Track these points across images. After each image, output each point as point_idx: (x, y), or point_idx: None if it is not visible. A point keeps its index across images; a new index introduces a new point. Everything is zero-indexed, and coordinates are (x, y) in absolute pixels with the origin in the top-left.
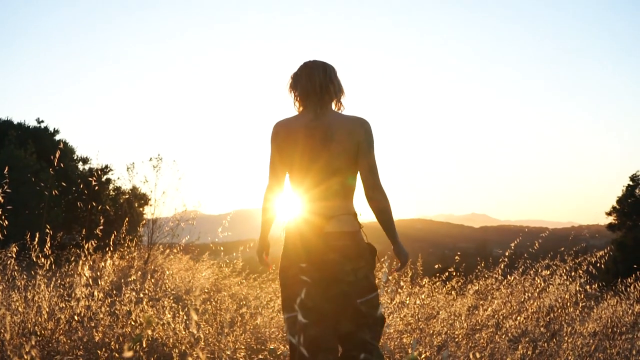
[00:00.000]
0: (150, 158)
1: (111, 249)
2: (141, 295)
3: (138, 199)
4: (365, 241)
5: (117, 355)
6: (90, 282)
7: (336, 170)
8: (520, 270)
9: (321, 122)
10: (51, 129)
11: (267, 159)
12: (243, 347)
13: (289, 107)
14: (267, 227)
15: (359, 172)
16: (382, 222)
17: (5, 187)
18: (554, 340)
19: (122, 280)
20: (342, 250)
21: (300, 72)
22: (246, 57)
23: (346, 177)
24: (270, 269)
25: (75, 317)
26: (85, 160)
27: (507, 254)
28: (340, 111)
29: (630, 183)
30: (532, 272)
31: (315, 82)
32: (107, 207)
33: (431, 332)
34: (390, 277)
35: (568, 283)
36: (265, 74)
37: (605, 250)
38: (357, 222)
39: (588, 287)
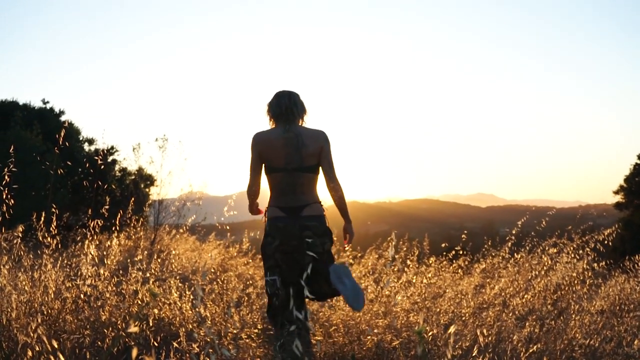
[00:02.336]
0: (156, 139)
1: (117, 229)
2: (147, 275)
3: (144, 179)
4: (328, 226)
5: (123, 334)
6: (97, 262)
7: (306, 169)
8: (527, 248)
9: (295, 134)
10: (57, 110)
11: (249, 163)
12: (249, 326)
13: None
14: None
15: (321, 168)
16: (338, 205)
17: (11, 167)
18: (561, 318)
19: (129, 260)
20: (313, 229)
21: (272, 100)
22: (253, 40)
23: (314, 175)
24: (261, 213)
25: (82, 297)
26: (91, 141)
27: (514, 232)
28: (302, 125)
29: (638, 162)
30: (539, 250)
31: (282, 107)
32: (114, 187)
33: (438, 310)
34: (347, 247)
35: (575, 261)
36: (273, 57)
37: (613, 229)
38: (322, 208)
39: (595, 265)
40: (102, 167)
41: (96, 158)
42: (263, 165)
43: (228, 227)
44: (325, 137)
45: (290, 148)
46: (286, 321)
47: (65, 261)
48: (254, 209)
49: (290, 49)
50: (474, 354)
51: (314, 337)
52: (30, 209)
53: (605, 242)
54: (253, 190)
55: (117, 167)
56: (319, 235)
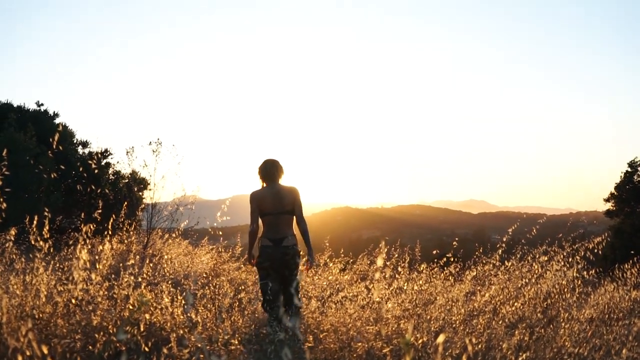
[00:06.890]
0: (150, 142)
1: (110, 233)
2: (140, 279)
3: (137, 183)
4: (298, 249)
5: (114, 338)
6: (89, 266)
7: (285, 213)
8: (518, 256)
9: (276, 191)
10: (51, 113)
11: (249, 212)
12: (241, 331)
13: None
14: (253, 246)
15: (294, 212)
16: (304, 237)
17: (4, 170)
18: (551, 326)
19: (121, 265)
20: (291, 253)
21: (261, 166)
22: (250, 42)
23: (290, 216)
24: (251, 267)
25: (73, 301)
26: (84, 144)
27: (504, 239)
28: (281, 181)
29: (629, 169)
30: (529, 258)
31: (270, 171)
32: (107, 191)
33: (429, 317)
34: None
35: (565, 269)
36: (266, 61)
37: (603, 237)
38: (295, 239)
39: (585, 273)
40: (96, 170)
41: (90, 162)
42: (259, 212)
43: (221, 232)
44: (297, 191)
45: (275, 200)
46: (277, 323)
47: (58, 265)
48: (250, 260)
49: (284, 52)
50: None
51: (306, 343)
52: (23, 211)
53: (596, 250)
54: (254, 230)
55: (110, 171)
56: (293, 255)
